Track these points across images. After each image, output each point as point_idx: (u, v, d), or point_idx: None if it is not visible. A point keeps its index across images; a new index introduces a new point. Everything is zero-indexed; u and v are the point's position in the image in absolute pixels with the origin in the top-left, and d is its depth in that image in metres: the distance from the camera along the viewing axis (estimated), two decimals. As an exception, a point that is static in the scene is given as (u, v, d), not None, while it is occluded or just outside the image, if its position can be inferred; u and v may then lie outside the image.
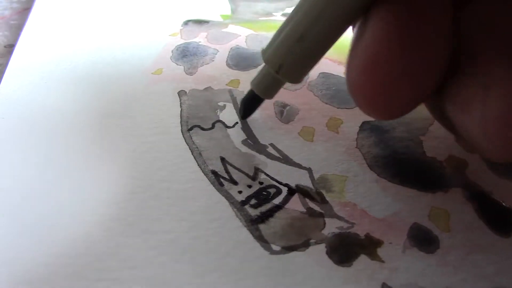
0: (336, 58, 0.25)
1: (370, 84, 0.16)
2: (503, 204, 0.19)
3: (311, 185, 0.20)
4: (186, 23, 0.29)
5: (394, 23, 0.15)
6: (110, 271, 0.17)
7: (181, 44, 0.27)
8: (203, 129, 0.22)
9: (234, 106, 0.23)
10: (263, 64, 0.20)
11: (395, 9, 0.15)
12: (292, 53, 0.18)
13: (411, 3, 0.15)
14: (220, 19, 0.30)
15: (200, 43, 0.27)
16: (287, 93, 0.24)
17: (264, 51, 0.19)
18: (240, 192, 0.19)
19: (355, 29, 0.17)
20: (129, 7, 0.30)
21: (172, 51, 0.27)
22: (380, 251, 0.17)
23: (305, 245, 0.18)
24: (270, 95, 0.21)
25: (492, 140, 0.15)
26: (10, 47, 0.28)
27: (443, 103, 0.16)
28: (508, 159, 0.18)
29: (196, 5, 0.31)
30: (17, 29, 0.29)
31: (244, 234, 0.18)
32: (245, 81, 0.24)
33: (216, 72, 0.25)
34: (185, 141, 0.21)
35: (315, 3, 0.17)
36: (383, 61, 0.15)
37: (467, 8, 0.16)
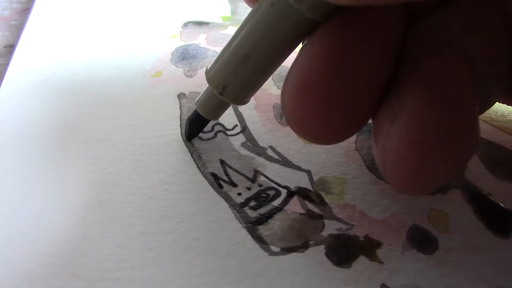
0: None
1: (299, 108, 0.15)
2: (502, 205, 0.19)
3: (310, 187, 0.20)
4: (186, 24, 0.29)
5: (327, 49, 0.15)
6: (109, 272, 0.17)
7: (181, 46, 0.27)
8: (202, 132, 0.22)
9: (233, 108, 0.23)
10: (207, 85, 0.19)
11: (331, 35, 0.15)
12: (236, 75, 0.18)
13: (352, 29, 0.15)
14: (220, 21, 0.30)
15: (199, 45, 0.27)
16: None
17: (207, 71, 0.19)
18: (239, 194, 0.19)
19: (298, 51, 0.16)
20: (129, 9, 0.30)
21: (172, 53, 0.27)
22: (379, 253, 0.17)
23: (304, 246, 0.18)
24: (215, 116, 0.20)
25: (388, 173, 0.15)
26: (10, 48, 0.28)
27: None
28: (407, 193, 0.18)
29: (196, 7, 0.31)
30: (17, 29, 0.29)
31: (243, 235, 0.18)
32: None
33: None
34: (185, 143, 0.21)
35: (258, 25, 0.17)
36: (313, 86, 0.15)
37: (414, 32, 0.16)
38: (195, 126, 0.21)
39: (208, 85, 0.19)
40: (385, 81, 0.15)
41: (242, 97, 0.19)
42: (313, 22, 0.16)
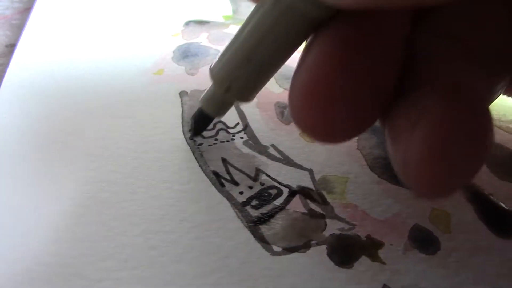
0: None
1: (308, 108, 0.15)
2: (504, 206, 0.19)
3: (312, 186, 0.20)
4: (188, 23, 0.29)
5: (334, 49, 0.15)
6: (111, 271, 0.17)
7: (183, 44, 0.27)
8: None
9: (235, 107, 0.23)
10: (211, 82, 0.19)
11: (340, 33, 0.15)
12: (241, 73, 0.17)
13: (358, 29, 0.15)
14: (222, 20, 0.30)
15: (201, 43, 0.27)
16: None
17: (212, 69, 0.18)
18: (241, 193, 0.19)
19: (302, 51, 0.16)
20: (131, 7, 0.30)
21: (173, 51, 0.27)
22: (381, 253, 0.17)
23: (306, 246, 0.18)
24: (220, 114, 0.20)
25: (412, 179, 0.15)
26: (11, 47, 0.28)
27: (384, 128, 0.16)
28: (429, 198, 0.18)
29: (198, 6, 0.31)
30: (18, 28, 0.29)
31: (245, 235, 0.18)
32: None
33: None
34: (186, 141, 0.21)
35: (261, 22, 0.16)
36: (321, 86, 0.15)
37: (420, 29, 0.16)
38: (200, 124, 0.21)
39: (212, 82, 0.19)
40: (394, 80, 0.15)
41: (247, 95, 0.19)
42: (317, 20, 0.16)
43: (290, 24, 0.16)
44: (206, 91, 0.20)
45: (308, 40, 0.16)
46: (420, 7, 0.16)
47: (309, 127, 0.16)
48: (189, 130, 0.22)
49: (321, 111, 0.15)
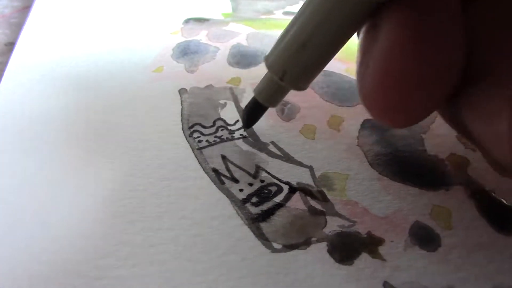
0: (337, 56, 0.25)
1: (385, 94, 0.15)
2: (505, 202, 0.19)
3: (312, 183, 0.20)
4: (187, 21, 0.29)
5: (404, 34, 0.15)
6: (110, 269, 0.17)
7: (182, 42, 0.27)
8: (204, 127, 0.22)
9: (235, 104, 0.23)
10: (265, 71, 0.19)
11: (408, 13, 0.15)
12: (296, 60, 0.17)
13: (422, 7, 0.15)
14: (221, 18, 0.30)
15: (201, 41, 0.27)
16: (288, 91, 0.24)
17: (267, 58, 0.18)
18: (241, 190, 0.19)
19: (362, 34, 0.16)
20: (130, 5, 0.30)
21: (173, 49, 0.27)
22: (382, 250, 0.17)
23: (307, 243, 0.17)
24: (274, 103, 0.20)
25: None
26: (10, 45, 0.28)
27: (460, 110, 0.16)
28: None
29: (197, 4, 0.31)
30: (17, 27, 0.29)
31: (245, 232, 0.18)
32: (246, 79, 0.24)
33: (217, 70, 0.25)
34: (186, 139, 0.21)
35: (319, 8, 0.16)
36: (398, 70, 0.15)
37: (472, 6, 0.16)
38: (253, 114, 0.21)
39: (267, 71, 0.19)
40: (461, 62, 0.15)
41: (301, 82, 0.18)
42: (374, 3, 0.15)
43: (347, 9, 0.16)
44: (260, 81, 0.20)
45: (366, 25, 0.16)
46: None
47: (386, 113, 0.16)
48: (243, 121, 0.22)
49: (398, 97, 0.15)
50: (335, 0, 0.16)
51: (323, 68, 0.18)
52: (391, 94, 0.15)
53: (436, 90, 0.15)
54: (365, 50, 0.16)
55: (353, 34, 0.17)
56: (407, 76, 0.15)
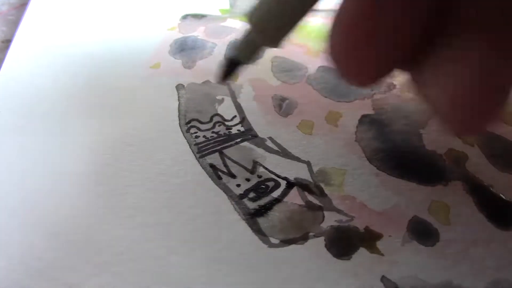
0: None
1: (340, 48, 0.16)
2: (503, 197, 0.19)
3: (310, 179, 0.19)
4: (185, 17, 0.29)
5: None
6: (108, 264, 0.16)
7: (179, 38, 0.27)
8: (201, 122, 0.22)
9: (232, 99, 0.23)
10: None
11: None
12: (275, 14, 0.18)
13: None
14: (219, 14, 0.30)
15: (198, 37, 0.27)
16: (286, 87, 0.23)
17: (248, 14, 0.18)
18: (238, 185, 0.19)
19: None
20: (128, 1, 0.30)
21: (170, 45, 0.26)
22: (380, 244, 0.17)
23: (304, 238, 0.17)
24: (249, 59, 0.19)
25: (445, 114, 0.15)
26: (7, 42, 0.27)
27: (416, 73, 0.16)
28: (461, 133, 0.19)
29: (194, 0, 0.31)
30: (14, 24, 0.29)
31: (243, 227, 0.18)
32: (244, 75, 0.24)
33: (214, 66, 0.25)
34: (183, 134, 0.21)
35: None
36: (351, 26, 0.15)
37: None
38: (229, 70, 0.21)
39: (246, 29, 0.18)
40: (425, 23, 0.15)
41: (278, 37, 0.18)
42: None
43: None
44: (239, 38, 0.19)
45: None
46: None
47: (341, 65, 0.16)
48: (217, 76, 0.21)
49: (351, 50, 0.15)
50: None
51: (298, 23, 0.18)
52: (344, 44, 0.16)
53: (394, 44, 0.15)
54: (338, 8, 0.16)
55: None
56: (359, 30, 0.15)
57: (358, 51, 0.16)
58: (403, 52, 0.16)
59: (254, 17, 0.18)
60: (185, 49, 0.26)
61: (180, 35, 0.27)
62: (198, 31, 0.28)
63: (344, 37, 0.16)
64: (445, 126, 0.16)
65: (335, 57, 0.16)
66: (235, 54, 0.20)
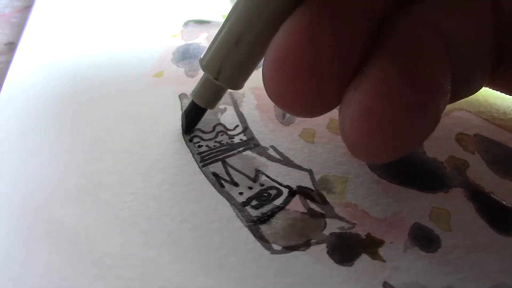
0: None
1: (277, 80, 0.16)
2: (504, 203, 0.19)
3: (312, 186, 0.20)
4: (187, 23, 0.29)
5: (303, 22, 0.15)
6: (110, 269, 0.17)
7: (182, 45, 0.27)
8: (204, 132, 0.22)
9: (234, 109, 0.23)
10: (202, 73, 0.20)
11: (309, 10, 0.15)
12: (230, 58, 0.18)
13: (327, 7, 0.15)
14: (222, 20, 0.30)
15: (200, 44, 0.27)
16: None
17: (201, 59, 0.19)
18: (241, 193, 0.19)
19: None
20: (131, 8, 0.30)
21: (173, 53, 0.27)
22: (381, 251, 0.17)
23: (306, 245, 0.18)
24: (212, 104, 0.20)
25: (345, 139, 0.16)
26: (10, 45, 0.28)
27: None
28: (362, 159, 0.19)
29: (197, 5, 0.31)
30: (17, 27, 0.29)
31: (245, 234, 0.18)
32: (246, 84, 0.24)
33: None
34: (186, 144, 0.21)
35: (248, 5, 0.17)
36: (288, 58, 0.15)
37: (400, 11, 0.16)
38: (192, 118, 0.21)
39: (203, 74, 0.19)
40: (361, 55, 0.16)
41: (237, 80, 0.19)
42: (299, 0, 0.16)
43: (275, 5, 0.16)
44: (197, 83, 0.20)
45: None
46: None
47: (279, 99, 0.16)
48: (182, 126, 0.22)
49: (289, 82, 0.16)
50: None
51: (256, 65, 0.19)
52: (281, 77, 0.16)
53: (327, 80, 0.16)
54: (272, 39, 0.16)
55: None
56: (297, 61, 0.15)
57: (296, 85, 0.16)
58: (344, 83, 0.16)
59: (210, 63, 0.19)
60: (187, 57, 0.26)
61: (182, 42, 0.27)
62: (201, 38, 0.28)
63: (279, 70, 0.16)
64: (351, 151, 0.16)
65: (273, 93, 0.16)
66: (197, 101, 0.20)
